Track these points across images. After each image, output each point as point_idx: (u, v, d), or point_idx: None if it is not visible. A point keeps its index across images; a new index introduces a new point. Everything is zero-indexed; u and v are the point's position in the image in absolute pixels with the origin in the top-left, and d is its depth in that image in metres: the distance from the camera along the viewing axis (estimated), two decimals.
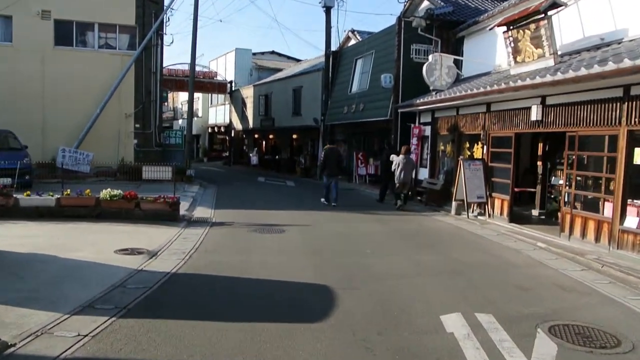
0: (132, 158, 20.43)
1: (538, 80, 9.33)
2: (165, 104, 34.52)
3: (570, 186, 9.82)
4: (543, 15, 10.57)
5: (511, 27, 11.75)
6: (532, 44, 11.11)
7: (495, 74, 14.18)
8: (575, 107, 9.37)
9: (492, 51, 14.96)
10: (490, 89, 11.20)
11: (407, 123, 17.59)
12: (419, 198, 15.86)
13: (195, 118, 46.10)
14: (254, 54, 41.30)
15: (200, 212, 12.56)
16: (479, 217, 12.82)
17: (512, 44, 11.85)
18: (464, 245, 9.38)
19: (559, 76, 8.69)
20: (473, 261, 7.91)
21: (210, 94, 41.54)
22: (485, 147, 12.93)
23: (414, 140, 16.93)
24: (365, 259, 7.82)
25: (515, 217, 12.05)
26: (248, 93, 34.57)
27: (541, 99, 10.52)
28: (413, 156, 16.83)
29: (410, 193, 14.87)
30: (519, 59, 11.72)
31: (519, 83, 10.01)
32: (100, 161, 19.82)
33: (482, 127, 12.96)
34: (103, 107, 19.61)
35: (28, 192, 10.89)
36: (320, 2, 24.75)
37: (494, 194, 12.58)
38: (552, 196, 12.97)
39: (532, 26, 10.94)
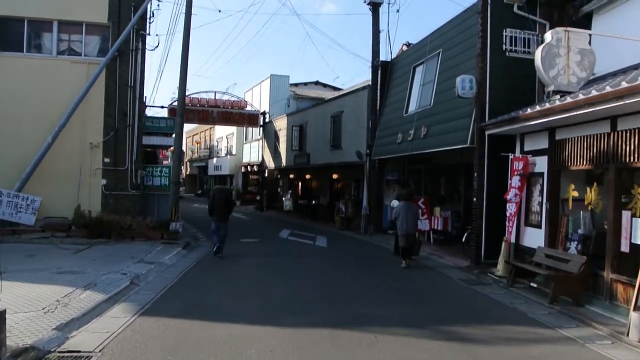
0: (99, 205, 14.61)
1: None
2: (173, 136, 29.04)
3: None
4: None
5: None
6: None
7: None
8: None
9: None
10: None
11: (500, 153, 10.81)
12: (531, 284, 8.85)
13: (229, 156, 41.02)
14: (296, 84, 35.73)
15: (97, 327, 6.12)
16: None
17: None
18: None
19: None
20: None
21: (244, 128, 36.10)
22: None
23: (515, 181, 10.11)
24: None
25: None
26: (281, 124, 28.70)
27: None
28: (513, 206, 10.04)
29: (413, 247, 11.80)
30: None
31: None
32: (53, 208, 14.18)
33: None
34: (57, 134, 14.04)
35: None
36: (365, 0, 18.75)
37: None
38: None
39: None
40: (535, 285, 8.68)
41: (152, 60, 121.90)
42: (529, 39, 11.58)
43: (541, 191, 9.65)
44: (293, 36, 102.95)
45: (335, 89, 38.32)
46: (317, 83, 39.47)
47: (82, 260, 10.21)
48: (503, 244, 10.20)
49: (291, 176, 30.23)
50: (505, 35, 11.43)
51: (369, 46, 18.57)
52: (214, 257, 12.00)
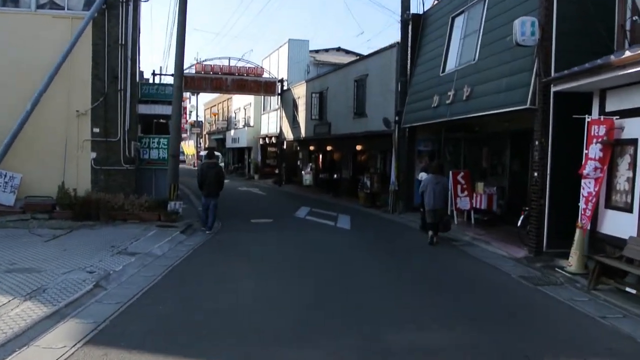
0: (89, 181, 12.76)
1: None
2: (188, 106, 27.16)
3: None
4: None
5: None
6: None
7: None
8: None
9: None
10: None
11: (569, 115, 8.46)
12: (627, 289, 6.63)
13: (247, 128, 38.95)
14: (316, 50, 33.21)
15: None
16: None
17: None
18: None
19: None
20: None
21: (262, 98, 34.01)
22: None
23: (594, 151, 7.78)
24: None
25: None
26: (300, 92, 26.45)
27: None
28: (592, 183, 7.78)
29: (442, 224, 10.98)
30: None
31: None
32: (36, 187, 12.41)
33: None
34: (37, 101, 12.16)
35: None
36: None
37: None
38: None
39: None
40: (634, 291, 6.44)
41: (162, 24, 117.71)
42: None
43: (632, 164, 7.35)
44: None
45: (358, 55, 35.67)
46: (339, 49, 36.74)
47: (50, 251, 8.34)
48: (577, 231, 7.95)
49: (311, 148, 28.10)
50: None
51: None
52: (211, 245, 10.07)
